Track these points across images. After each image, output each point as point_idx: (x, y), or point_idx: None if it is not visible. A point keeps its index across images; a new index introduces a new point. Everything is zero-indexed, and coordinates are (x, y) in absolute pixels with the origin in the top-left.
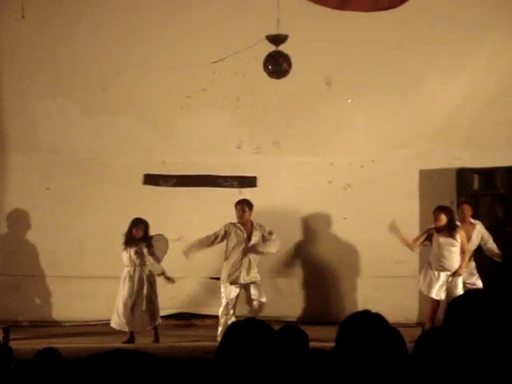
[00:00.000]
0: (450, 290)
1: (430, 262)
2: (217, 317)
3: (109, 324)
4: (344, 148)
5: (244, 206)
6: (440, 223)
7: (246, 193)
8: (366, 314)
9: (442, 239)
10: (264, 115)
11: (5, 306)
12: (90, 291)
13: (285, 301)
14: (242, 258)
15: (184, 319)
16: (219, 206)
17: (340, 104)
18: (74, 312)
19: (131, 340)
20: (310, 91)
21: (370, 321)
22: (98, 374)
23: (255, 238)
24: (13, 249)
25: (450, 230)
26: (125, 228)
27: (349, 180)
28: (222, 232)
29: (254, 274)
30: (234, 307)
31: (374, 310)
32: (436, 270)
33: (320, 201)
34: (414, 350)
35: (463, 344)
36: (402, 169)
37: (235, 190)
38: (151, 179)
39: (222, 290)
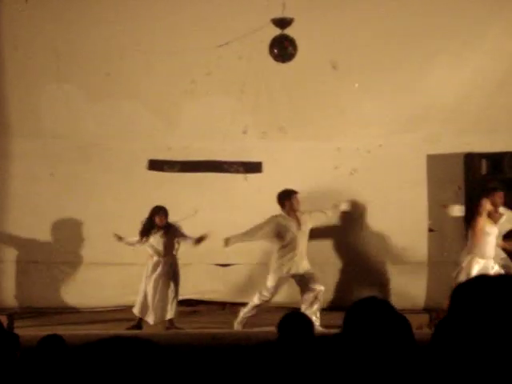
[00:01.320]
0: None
1: (474, 252)
2: (224, 303)
3: (114, 310)
4: (351, 133)
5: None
6: (489, 209)
7: (252, 178)
8: (373, 300)
9: (488, 227)
10: (270, 100)
11: (10, 292)
12: (94, 278)
13: (293, 288)
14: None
15: (189, 305)
16: (224, 192)
17: (347, 88)
18: (78, 298)
19: (139, 326)
20: (316, 75)
21: (377, 307)
22: (97, 360)
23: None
24: (17, 235)
25: (491, 217)
26: (129, 213)
27: (355, 165)
28: (272, 226)
29: (307, 265)
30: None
31: (381, 295)
32: (482, 258)
33: (326, 186)
34: (433, 336)
35: (465, 332)
36: (410, 153)
37: (240, 176)
38: (156, 165)
39: (269, 278)
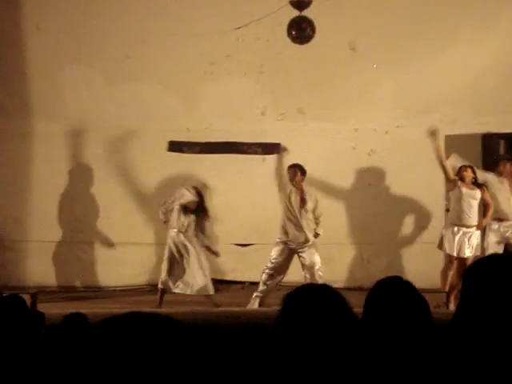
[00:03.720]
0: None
1: (448, 221)
2: (243, 283)
3: (135, 289)
4: (369, 114)
5: (296, 169)
6: (467, 179)
7: (271, 160)
8: (397, 280)
9: (465, 190)
10: (288, 81)
11: (32, 271)
12: (116, 257)
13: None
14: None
15: None
16: (243, 173)
17: (365, 69)
18: (100, 278)
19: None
20: (334, 57)
21: (400, 287)
22: (118, 337)
23: (309, 203)
24: (40, 215)
25: (474, 184)
26: (149, 194)
27: (373, 146)
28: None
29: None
30: (280, 271)
31: (398, 275)
32: (455, 225)
33: (344, 167)
34: (455, 315)
35: (479, 315)
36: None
37: (259, 157)
38: (175, 146)
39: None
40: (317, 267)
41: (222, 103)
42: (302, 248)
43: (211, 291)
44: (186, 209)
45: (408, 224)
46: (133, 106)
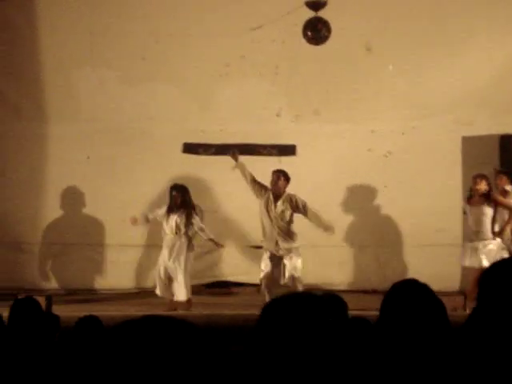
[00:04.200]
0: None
1: (466, 236)
2: (258, 285)
3: (151, 291)
4: (385, 115)
5: (280, 175)
6: (478, 192)
7: (286, 161)
8: (413, 282)
9: (472, 208)
10: (303, 82)
11: (47, 273)
12: (131, 260)
13: (326, 270)
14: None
15: (224, 287)
16: (258, 175)
17: (381, 70)
18: (115, 280)
19: (172, 308)
20: (349, 57)
21: (417, 290)
22: (133, 340)
23: (279, 208)
24: (55, 217)
25: (483, 198)
26: (164, 196)
27: (390, 147)
28: (261, 188)
29: (288, 245)
30: (274, 276)
31: (414, 277)
32: (472, 241)
33: (360, 169)
34: (469, 319)
35: (494, 318)
36: (444, 135)
37: (274, 159)
38: (190, 148)
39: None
40: (297, 275)
41: (237, 104)
42: (282, 254)
43: (186, 296)
44: (171, 208)
45: (424, 226)
46: (147, 107)
